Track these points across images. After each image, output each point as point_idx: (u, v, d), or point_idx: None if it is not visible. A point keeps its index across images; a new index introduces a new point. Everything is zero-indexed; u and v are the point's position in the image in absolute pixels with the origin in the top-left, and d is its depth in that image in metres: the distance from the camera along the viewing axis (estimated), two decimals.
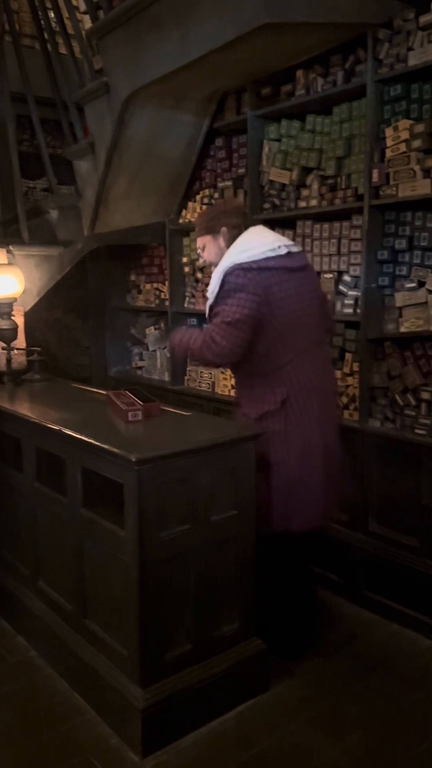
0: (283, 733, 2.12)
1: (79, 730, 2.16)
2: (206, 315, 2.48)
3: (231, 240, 2.43)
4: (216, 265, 2.46)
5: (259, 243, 2.36)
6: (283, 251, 2.36)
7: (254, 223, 2.60)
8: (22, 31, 4.09)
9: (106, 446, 2.05)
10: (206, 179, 3.67)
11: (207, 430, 2.32)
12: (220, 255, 2.44)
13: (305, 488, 2.34)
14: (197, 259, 3.72)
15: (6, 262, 3.28)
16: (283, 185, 3.16)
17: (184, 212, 3.82)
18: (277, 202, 3.19)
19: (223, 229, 2.45)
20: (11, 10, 3.79)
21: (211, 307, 2.40)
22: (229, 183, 3.49)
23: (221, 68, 2.94)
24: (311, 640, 2.62)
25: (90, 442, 2.13)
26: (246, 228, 2.45)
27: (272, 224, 3.23)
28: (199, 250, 2.58)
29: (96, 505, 2.25)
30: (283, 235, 3.17)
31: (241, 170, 3.41)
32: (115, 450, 2.01)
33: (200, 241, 2.55)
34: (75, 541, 2.30)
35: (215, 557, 2.17)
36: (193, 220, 3.73)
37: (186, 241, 3.84)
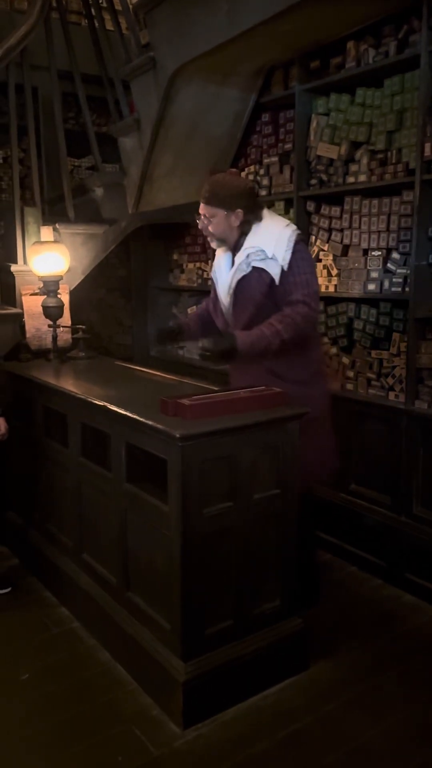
0: (322, 712, 2.12)
1: (121, 700, 2.20)
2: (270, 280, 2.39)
3: (245, 224, 2.41)
4: (219, 239, 2.46)
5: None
6: None
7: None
8: (68, 7, 4.08)
9: (150, 422, 2.06)
10: (252, 155, 3.61)
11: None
12: (228, 233, 2.44)
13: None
14: None
15: (53, 240, 3.30)
16: (331, 160, 3.09)
17: None
18: (324, 177, 3.13)
19: (239, 210, 2.39)
20: None
21: (285, 274, 2.37)
22: (275, 159, 3.43)
23: (269, 41, 2.88)
24: (351, 621, 2.61)
25: (134, 418, 2.14)
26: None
27: (319, 200, 3.19)
28: (203, 218, 2.46)
29: (140, 480, 2.27)
30: (330, 211, 3.13)
31: (288, 146, 3.35)
32: (159, 426, 2.02)
33: (208, 211, 2.43)
34: (119, 515, 2.33)
35: (257, 535, 2.17)
36: None
37: None
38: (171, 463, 2.01)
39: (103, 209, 3.77)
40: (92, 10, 3.79)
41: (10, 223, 3.47)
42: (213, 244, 2.56)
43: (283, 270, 2.36)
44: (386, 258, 2.89)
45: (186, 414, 2.05)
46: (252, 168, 3.60)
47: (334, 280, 3.13)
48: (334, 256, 3.12)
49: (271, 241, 2.37)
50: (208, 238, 2.54)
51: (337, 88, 3.05)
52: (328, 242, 3.15)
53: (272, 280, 2.38)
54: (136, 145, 3.52)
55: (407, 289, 2.77)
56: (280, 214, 3.41)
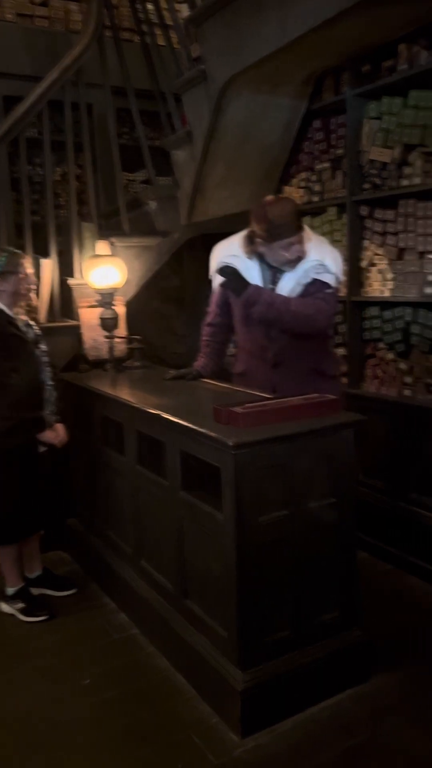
0: (383, 726, 2.08)
1: (180, 708, 2.21)
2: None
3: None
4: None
5: None
6: None
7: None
8: (120, 24, 4.17)
9: (204, 430, 2.08)
10: (303, 162, 3.61)
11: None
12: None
13: None
14: None
15: (109, 254, 3.38)
16: (384, 164, 3.05)
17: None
18: (377, 181, 3.09)
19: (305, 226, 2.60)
20: (111, 6, 3.87)
21: (315, 280, 2.55)
22: (327, 165, 3.41)
23: (320, 47, 2.87)
24: (415, 633, 2.55)
25: (188, 427, 2.16)
26: None
27: (373, 204, 3.15)
28: (297, 246, 2.50)
29: (195, 487, 2.28)
30: (384, 215, 3.09)
31: (340, 151, 3.32)
32: (213, 434, 2.03)
33: (297, 239, 2.50)
34: (175, 522, 2.35)
35: (314, 544, 2.15)
36: None
37: None
38: (225, 471, 2.02)
39: (156, 222, 3.82)
40: (144, 27, 3.87)
41: (67, 238, 3.57)
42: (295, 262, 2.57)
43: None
44: None
45: (239, 422, 2.06)
46: (303, 174, 3.59)
47: (389, 285, 3.08)
48: (389, 260, 3.08)
49: (323, 256, 2.56)
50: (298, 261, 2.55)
51: (390, 91, 3.01)
52: (382, 246, 3.11)
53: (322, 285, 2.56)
54: (188, 157, 3.57)
55: None
56: (332, 220, 3.41)
